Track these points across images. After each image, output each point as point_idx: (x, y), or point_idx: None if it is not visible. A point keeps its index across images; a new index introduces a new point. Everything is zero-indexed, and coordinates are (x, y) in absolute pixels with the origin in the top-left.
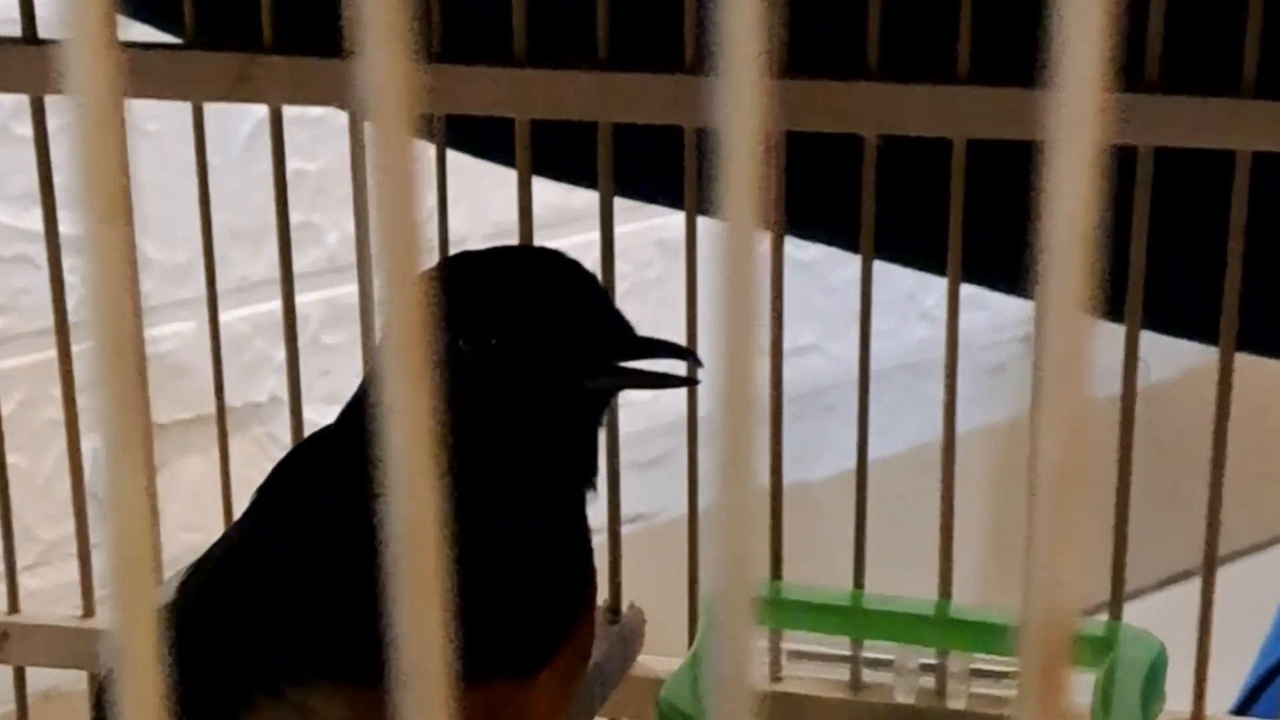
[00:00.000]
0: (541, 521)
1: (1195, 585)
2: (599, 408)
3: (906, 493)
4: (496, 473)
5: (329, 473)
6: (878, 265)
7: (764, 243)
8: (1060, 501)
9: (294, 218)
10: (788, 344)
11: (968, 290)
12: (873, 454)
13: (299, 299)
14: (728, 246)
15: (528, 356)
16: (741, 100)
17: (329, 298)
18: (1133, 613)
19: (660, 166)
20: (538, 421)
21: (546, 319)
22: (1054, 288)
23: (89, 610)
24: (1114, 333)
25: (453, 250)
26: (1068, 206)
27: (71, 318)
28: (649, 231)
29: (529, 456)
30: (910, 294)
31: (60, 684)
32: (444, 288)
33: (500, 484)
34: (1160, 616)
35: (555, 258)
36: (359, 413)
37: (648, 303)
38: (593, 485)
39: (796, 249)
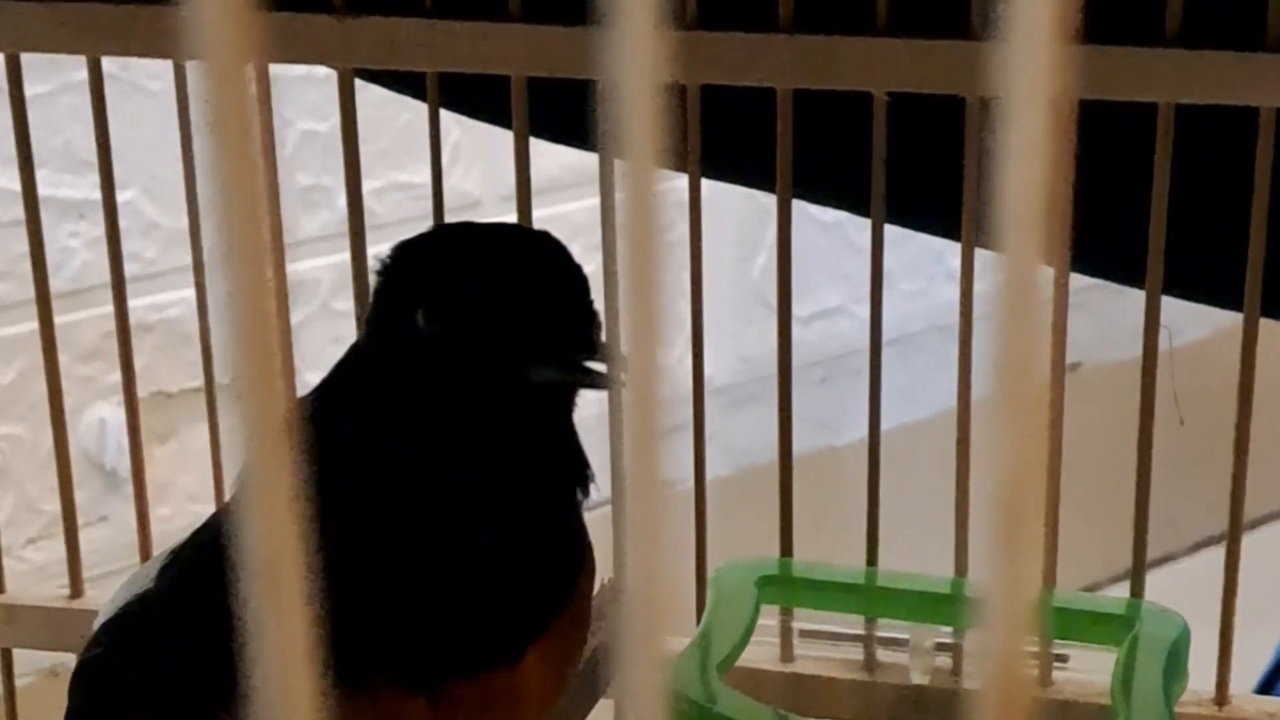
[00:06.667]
0: (509, 503)
1: (1219, 551)
2: (553, 400)
3: (936, 457)
4: (450, 453)
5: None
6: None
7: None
8: (1016, 513)
9: (303, 180)
10: (814, 307)
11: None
12: (902, 418)
13: (309, 264)
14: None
15: (482, 340)
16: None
17: (340, 262)
18: (1156, 580)
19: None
20: (485, 406)
21: (511, 305)
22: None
23: (77, 590)
24: (1136, 297)
25: (461, 212)
26: (1024, 161)
27: (71, 285)
28: (669, 192)
29: (481, 439)
30: (938, 255)
31: (66, 660)
32: (416, 260)
33: (456, 465)
34: (1184, 584)
35: (542, 242)
36: (338, 390)
37: (670, 266)
38: (581, 478)
39: (820, 210)
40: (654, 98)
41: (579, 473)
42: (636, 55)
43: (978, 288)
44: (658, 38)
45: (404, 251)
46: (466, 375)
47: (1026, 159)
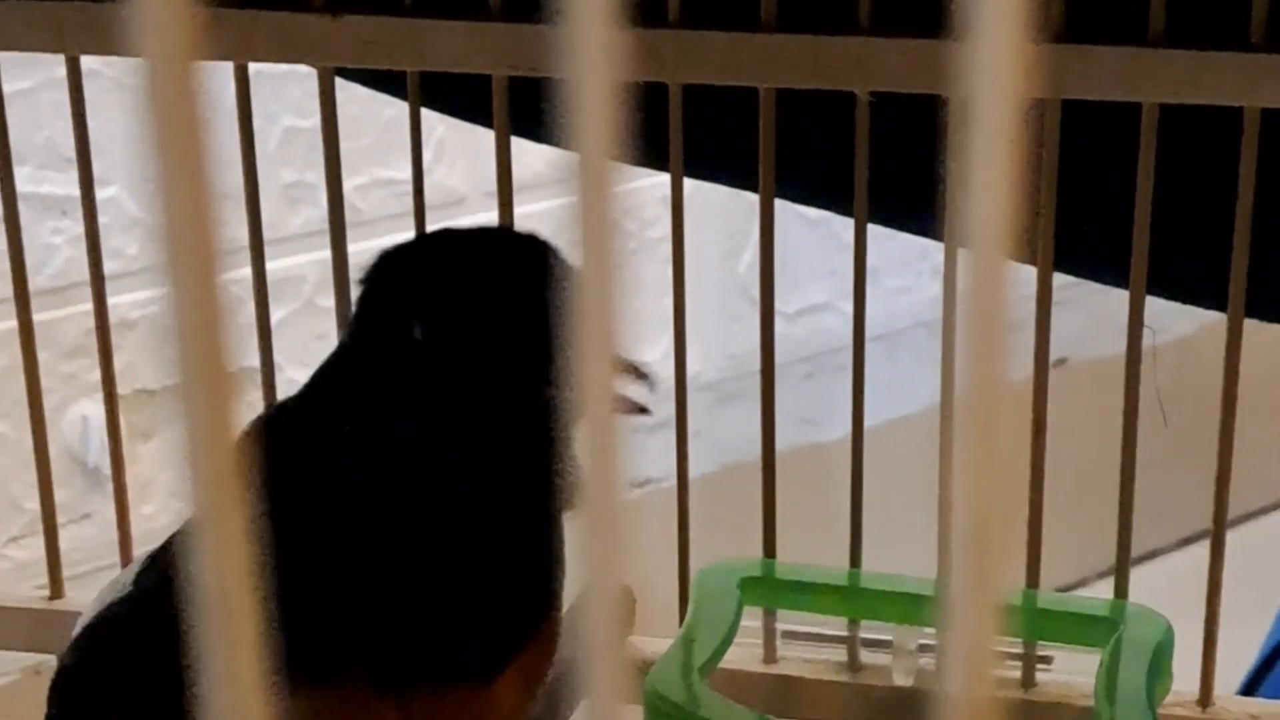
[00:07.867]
0: (494, 518)
1: (1203, 548)
2: (559, 419)
3: (921, 454)
4: (441, 466)
5: (287, 466)
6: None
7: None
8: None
9: (287, 176)
10: (800, 303)
11: None
12: (888, 414)
13: (293, 260)
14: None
15: (489, 356)
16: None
17: (325, 259)
18: (1141, 577)
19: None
20: (490, 421)
21: (509, 314)
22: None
23: (57, 591)
24: (1121, 293)
25: (445, 209)
26: (988, 160)
27: (54, 282)
28: (655, 189)
29: (483, 452)
30: (924, 251)
31: (49, 658)
32: (410, 268)
33: (445, 478)
34: (1168, 581)
35: (534, 245)
36: (325, 389)
37: (655, 262)
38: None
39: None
40: (609, 96)
41: (569, 485)
42: (590, 53)
43: (961, 284)
44: (612, 36)
45: (391, 260)
46: (473, 390)
47: (990, 157)
